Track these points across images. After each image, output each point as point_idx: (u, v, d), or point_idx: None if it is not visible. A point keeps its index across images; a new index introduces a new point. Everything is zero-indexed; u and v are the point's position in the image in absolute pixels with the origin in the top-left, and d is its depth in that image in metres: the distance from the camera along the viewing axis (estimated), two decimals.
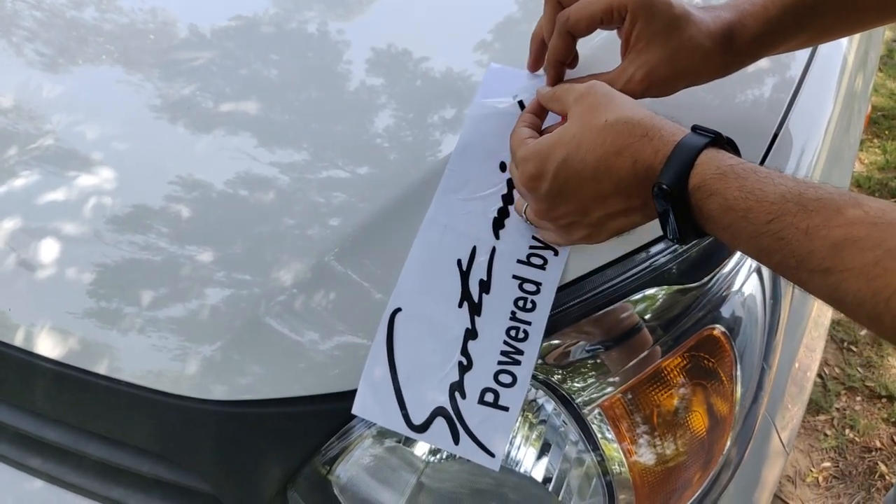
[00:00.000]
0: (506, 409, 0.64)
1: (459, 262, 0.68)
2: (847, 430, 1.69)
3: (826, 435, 1.68)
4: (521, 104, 0.73)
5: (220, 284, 0.71)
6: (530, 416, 0.68)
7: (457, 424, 0.64)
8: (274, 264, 0.71)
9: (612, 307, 0.70)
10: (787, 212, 0.47)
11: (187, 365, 0.68)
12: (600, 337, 0.70)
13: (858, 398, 1.76)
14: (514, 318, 0.67)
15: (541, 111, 0.68)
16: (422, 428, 0.64)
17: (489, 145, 0.72)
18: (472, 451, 0.64)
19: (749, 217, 0.48)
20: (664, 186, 0.53)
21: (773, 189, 0.48)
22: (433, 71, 0.85)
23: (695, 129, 0.55)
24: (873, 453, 1.64)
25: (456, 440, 0.64)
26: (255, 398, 0.68)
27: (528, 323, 0.67)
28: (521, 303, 0.67)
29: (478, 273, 0.68)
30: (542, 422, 0.68)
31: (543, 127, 0.68)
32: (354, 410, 0.65)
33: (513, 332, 0.66)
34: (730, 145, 0.55)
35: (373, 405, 0.65)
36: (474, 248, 0.69)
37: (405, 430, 0.64)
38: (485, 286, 0.68)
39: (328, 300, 0.69)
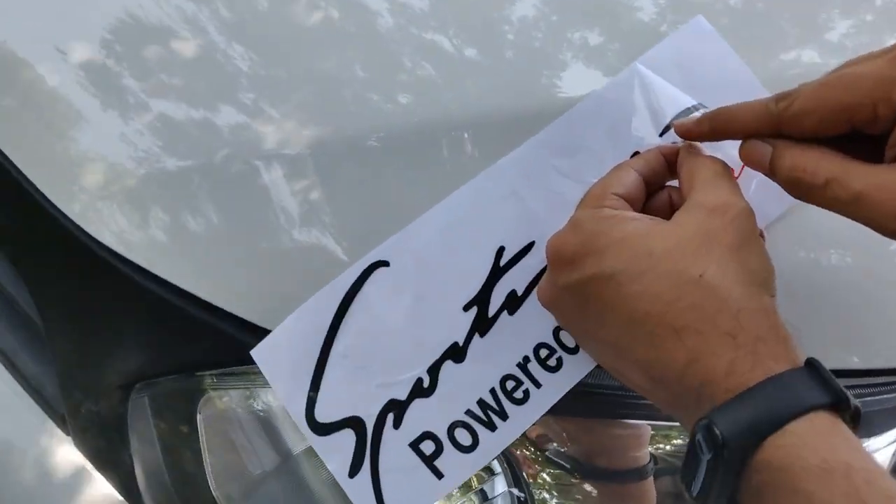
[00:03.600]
0: (439, 475, 0.44)
1: (501, 250, 0.46)
2: None
3: None
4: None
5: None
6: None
7: (365, 453, 0.44)
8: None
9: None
10: None
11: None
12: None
13: None
14: (524, 366, 0.45)
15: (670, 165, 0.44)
16: (321, 429, 0.44)
17: (634, 118, 0.47)
18: (362, 496, 0.44)
19: None
20: (716, 431, 0.32)
21: None
22: None
23: (810, 363, 0.35)
24: None
25: (352, 471, 0.44)
26: (172, 280, 0.48)
27: (538, 384, 0.45)
28: (544, 353, 0.45)
29: (515, 279, 0.45)
30: None
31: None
32: (254, 353, 0.45)
33: (510, 385, 0.44)
34: (853, 419, 0.34)
35: (280, 362, 0.45)
36: (532, 245, 0.46)
37: (299, 419, 0.44)
38: (513, 302, 0.45)
39: (311, 202, 0.48)
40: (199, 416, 0.52)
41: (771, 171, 0.38)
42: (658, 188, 0.43)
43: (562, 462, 0.49)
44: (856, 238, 0.49)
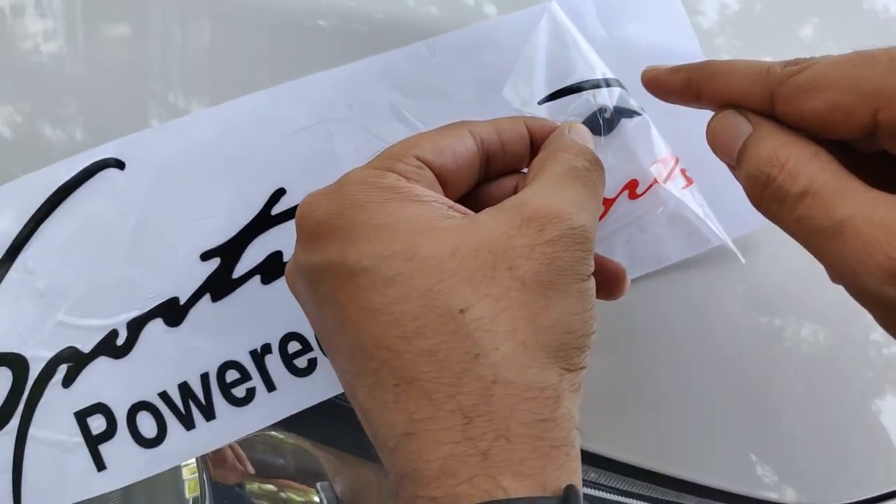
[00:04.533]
0: (101, 465, 0.32)
1: (280, 194, 0.33)
2: None
3: None
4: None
5: None
6: None
7: (18, 408, 0.32)
8: None
9: None
10: None
11: None
12: None
13: None
14: (259, 357, 0.32)
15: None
16: None
17: (517, 71, 0.33)
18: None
19: None
20: None
21: None
22: None
23: (568, 495, 0.22)
24: None
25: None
26: None
27: (272, 387, 0.32)
28: (294, 347, 0.32)
29: (286, 238, 0.33)
30: None
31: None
32: None
33: (232, 376, 0.32)
34: None
35: None
36: None
37: None
38: (273, 267, 0.32)
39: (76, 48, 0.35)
40: None
41: (738, 160, 0.25)
42: (506, 172, 0.30)
43: (323, 496, 0.37)
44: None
